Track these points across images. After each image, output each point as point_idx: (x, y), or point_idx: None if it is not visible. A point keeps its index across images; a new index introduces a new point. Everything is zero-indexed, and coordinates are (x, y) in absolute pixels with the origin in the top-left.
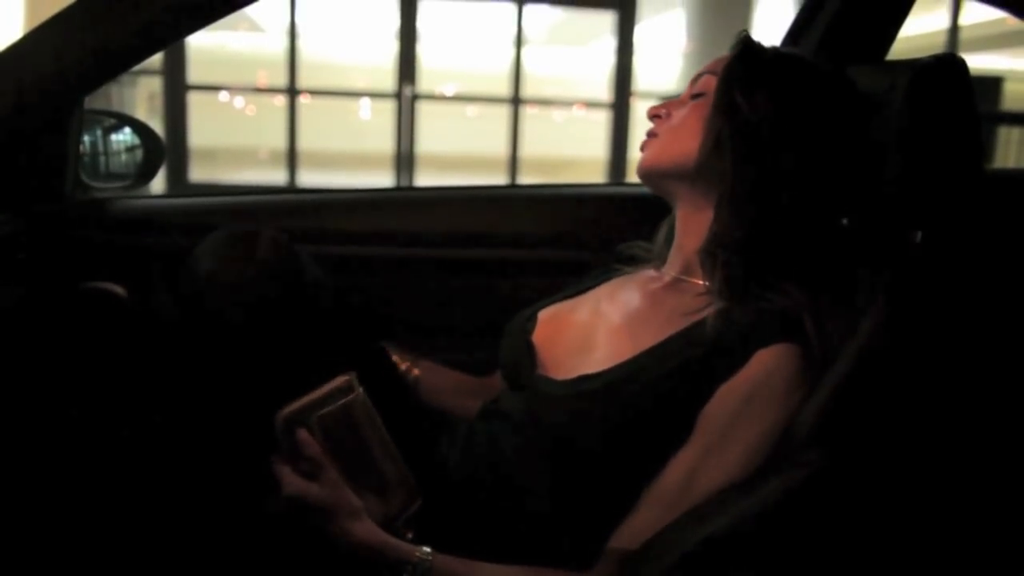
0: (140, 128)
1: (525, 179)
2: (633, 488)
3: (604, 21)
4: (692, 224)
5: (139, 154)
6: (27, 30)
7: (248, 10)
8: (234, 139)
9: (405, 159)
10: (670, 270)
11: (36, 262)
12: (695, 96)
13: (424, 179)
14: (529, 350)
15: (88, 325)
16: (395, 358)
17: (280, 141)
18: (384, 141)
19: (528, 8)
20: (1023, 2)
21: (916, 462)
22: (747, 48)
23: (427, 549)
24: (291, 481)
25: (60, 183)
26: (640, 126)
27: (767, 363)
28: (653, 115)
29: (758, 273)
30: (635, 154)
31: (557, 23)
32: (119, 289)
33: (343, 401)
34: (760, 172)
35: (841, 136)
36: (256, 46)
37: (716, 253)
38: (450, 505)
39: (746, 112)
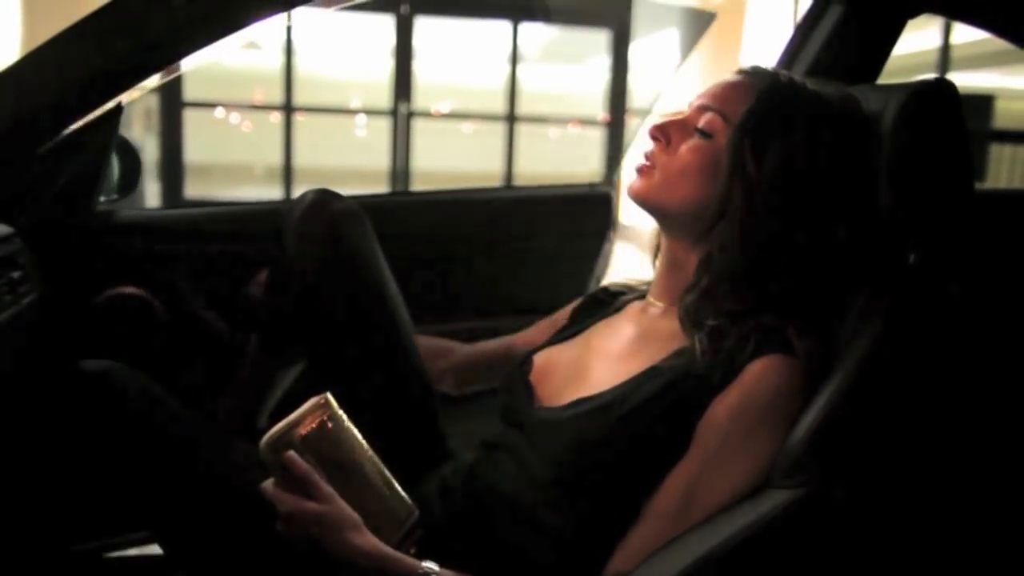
0: (117, 142)
1: None
2: (636, 506)
3: (599, 39)
4: (680, 259)
5: (118, 167)
6: (24, 41)
7: None
8: (230, 156)
9: (401, 176)
10: (660, 300)
11: (69, 270)
12: (700, 133)
13: None
14: (527, 387)
15: (123, 325)
16: None
17: (276, 157)
18: (380, 158)
19: (523, 26)
20: (1004, 23)
21: (913, 480)
22: (761, 108)
23: (431, 564)
24: (285, 500)
25: (94, 194)
26: (634, 143)
27: (760, 373)
28: (653, 137)
29: (743, 319)
30: (629, 170)
31: (552, 40)
32: (143, 292)
33: (321, 419)
34: (766, 247)
35: (858, 194)
36: (253, 63)
37: (701, 320)
38: (454, 532)
39: (757, 185)
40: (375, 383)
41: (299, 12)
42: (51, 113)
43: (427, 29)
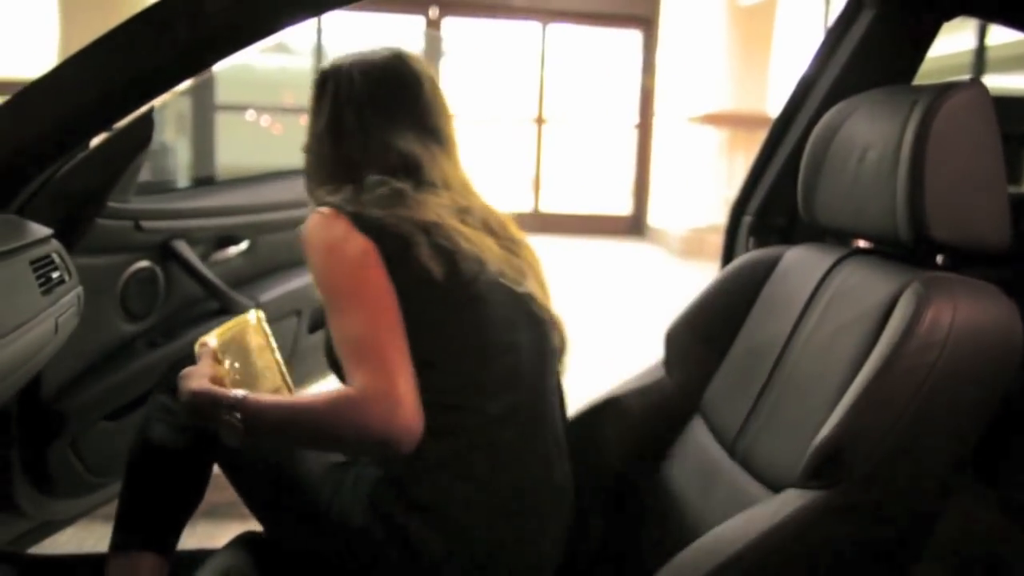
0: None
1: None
2: None
3: (628, 40)
4: None
5: (154, 168)
6: (62, 43)
7: None
8: (261, 158)
9: None
10: None
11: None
12: None
13: None
14: None
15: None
16: None
17: None
18: None
19: (552, 27)
20: None
21: (926, 481)
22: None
23: (241, 392)
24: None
25: (126, 192)
26: (663, 144)
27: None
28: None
29: None
30: (658, 171)
31: (581, 42)
32: (152, 265)
33: (237, 328)
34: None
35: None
36: (283, 66)
37: None
38: None
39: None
40: None
41: (330, 15)
42: (85, 119)
43: (455, 30)
